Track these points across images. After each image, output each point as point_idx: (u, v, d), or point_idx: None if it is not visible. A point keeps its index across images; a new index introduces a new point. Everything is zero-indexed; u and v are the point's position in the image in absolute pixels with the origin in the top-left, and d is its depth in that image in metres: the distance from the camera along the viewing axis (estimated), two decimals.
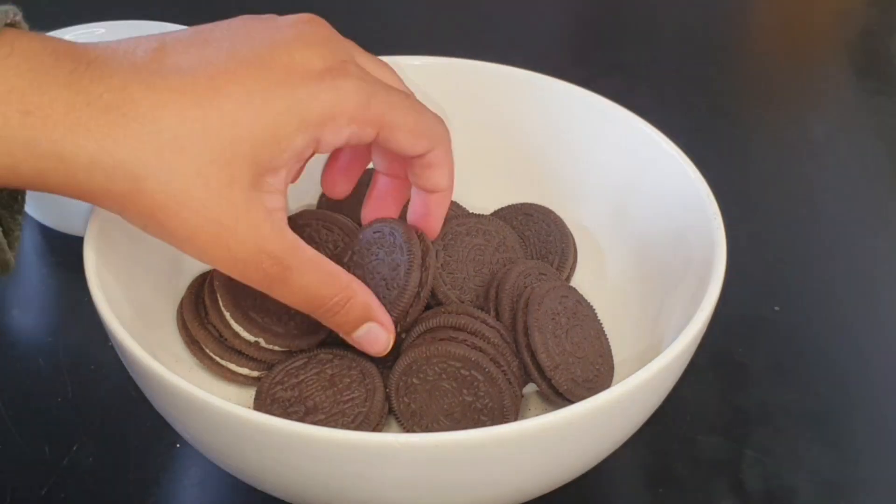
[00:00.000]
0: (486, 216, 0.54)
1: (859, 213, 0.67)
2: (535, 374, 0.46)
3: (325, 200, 0.56)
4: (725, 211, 0.49)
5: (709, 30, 0.86)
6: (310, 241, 0.53)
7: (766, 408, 0.53)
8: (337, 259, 0.48)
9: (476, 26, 0.84)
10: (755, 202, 0.67)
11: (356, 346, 0.45)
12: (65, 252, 0.60)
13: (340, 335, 0.45)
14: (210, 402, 0.38)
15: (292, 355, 0.49)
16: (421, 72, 0.57)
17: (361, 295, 0.43)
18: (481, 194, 0.57)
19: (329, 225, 0.53)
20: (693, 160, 0.51)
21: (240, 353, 0.48)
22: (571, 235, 0.55)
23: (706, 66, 0.81)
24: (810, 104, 0.77)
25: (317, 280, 0.42)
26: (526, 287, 0.48)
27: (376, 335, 0.44)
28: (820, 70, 0.83)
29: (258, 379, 0.49)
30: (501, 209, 0.56)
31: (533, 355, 0.46)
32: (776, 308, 0.59)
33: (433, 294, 0.50)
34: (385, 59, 0.57)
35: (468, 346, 0.46)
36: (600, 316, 0.50)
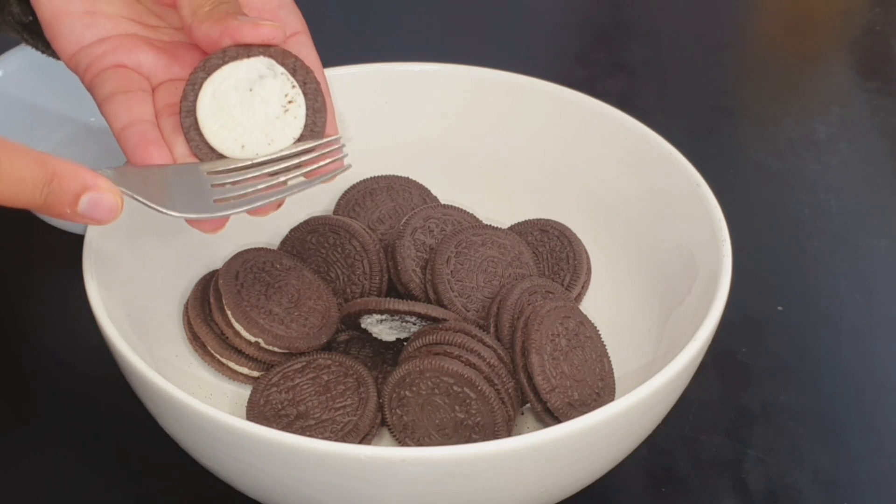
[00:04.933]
0: (503, 230, 0.54)
1: (863, 212, 0.66)
2: (530, 395, 0.46)
3: (341, 205, 0.57)
4: (729, 210, 0.49)
5: (712, 29, 0.86)
6: (318, 246, 0.53)
7: (768, 408, 0.53)
8: None
9: (477, 27, 0.84)
10: (759, 202, 0.67)
11: (89, 222, 0.40)
12: (65, 248, 0.60)
13: (69, 220, 0.40)
14: (180, 400, 0.39)
15: (292, 358, 0.49)
16: (434, 79, 0.58)
17: (66, 167, 0.39)
18: (496, 207, 0.57)
19: (337, 230, 0.53)
20: (696, 160, 0.52)
21: (240, 352, 0.49)
22: (587, 254, 0.54)
23: (709, 66, 0.81)
24: (814, 104, 0.77)
25: (22, 165, 0.37)
26: (528, 305, 0.48)
27: (97, 200, 0.39)
28: (823, 70, 0.83)
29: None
30: (518, 224, 0.56)
31: (529, 377, 0.46)
32: (779, 308, 0.59)
33: (438, 300, 0.50)
34: (395, 65, 0.58)
35: (462, 362, 0.45)
36: (606, 328, 0.50)
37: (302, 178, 0.44)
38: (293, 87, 0.43)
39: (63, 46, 0.45)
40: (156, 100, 0.44)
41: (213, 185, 0.42)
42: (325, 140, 0.44)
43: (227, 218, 0.43)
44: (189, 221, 0.42)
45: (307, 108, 0.44)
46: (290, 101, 0.43)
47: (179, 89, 0.44)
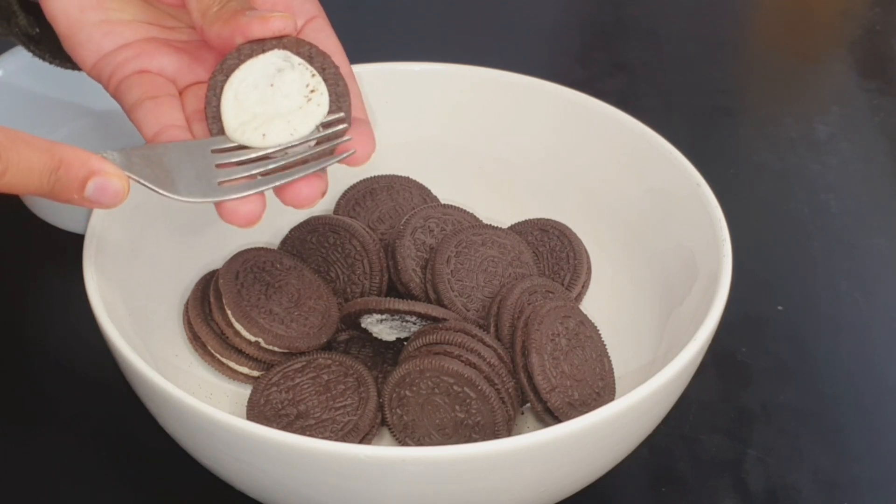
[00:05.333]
0: (503, 229, 0.54)
1: (863, 212, 0.66)
2: (531, 394, 0.46)
3: (341, 205, 0.57)
4: (729, 210, 0.49)
5: (712, 29, 0.86)
6: (318, 245, 0.53)
7: (768, 407, 0.53)
8: None
9: (477, 27, 0.84)
10: (759, 201, 0.67)
11: (96, 206, 0.40)
12: (65, 248, 0.59)
13: (77, 204, 0.40)
14: (180, 399, 0.39)
15: (292, 357, 0.49)
16: (434, 79, 0.57)
17: (72, 154, 0.39)
18: (496, 206, 0.57)
19: (337, 229, 0.53)
20: (696, 160, 0.52)
21: (240, 351, 0.49)
22: (587, 254, 0.55)
23: (709, 66, 0.81)
24: (814, 104, 0.77)
25: (30, 154, 0.38)
26: (528, 305, 0.48)
27: (104, 186, 0.39)
28: (824, 70, 0.83)
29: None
30: (518, 223, 0.56)
31: (530, 377, 0.46)
32: (779, 308, 0.59)
33: (438, 299, 0.50)
34: (395, 65, 0.58)
35: (462, 362, 0.45)
36: (606, 328, 0.50)
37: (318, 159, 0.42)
38: (313, 75, 0.43)
39: (84, 57, 0.45)
40: (184, 105, 0.44)
41: (217, 166, 0.42)
42: (334, 117, 0.43)
43: (261, 208, 0.41)
44: (224, 215, 0.42)
45: (329, 94, 0.43)
46: (311, 91, 0.43)
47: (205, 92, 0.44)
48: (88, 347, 0.52)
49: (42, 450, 0.50)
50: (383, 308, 0.47)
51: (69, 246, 0.57)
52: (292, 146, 0.42)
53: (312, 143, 0.43)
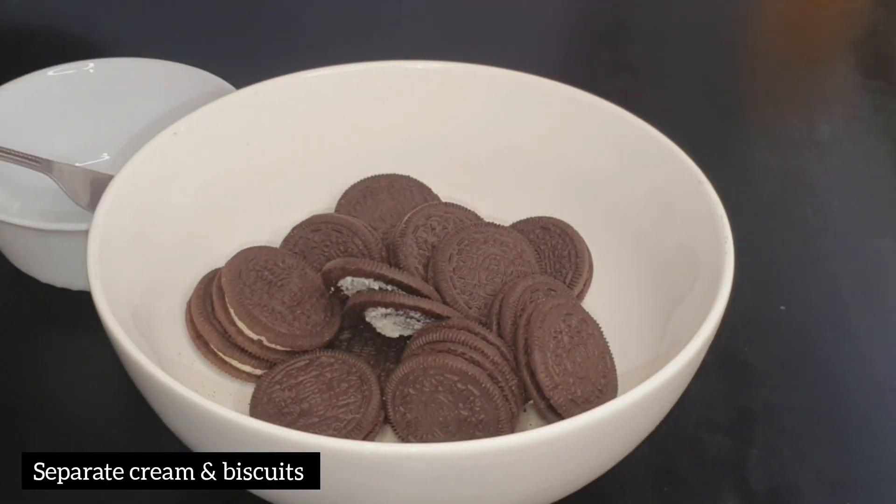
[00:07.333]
0: (505, 227, 0.54)
1: (865, 212, 0.67)
2: (533, 392, 0.46)
3: (342, 205, 0.57)
4: (732, 210, 0.49)
5: (715, 29, 0.86)
6: (321, 244, 0.53)
7: (771, 407, 0.53)
8: None
9: (480, 26, 0.84)
10: (762, 201, 0.67)
11: None
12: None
13: None
14: (185, 396, 0.39)
15: (294, 356, 0.49)
16: (435, 77, 0.58)
17: None
18: (498, 205, 0.57)
19: (339, 228, 0.54)
20: (699, 159, 0.52)
21: (242, 350, 0.49)
22: (588, 252, 0.54)
23: (713, 66, 0.81)
24: (817, 104, 0.77)
25: None
26: (530, 302, 0.48)
27: None
28: (826, 70, 0.83)
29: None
30: (519, 222, 0.56)
31: (532, 374, 0.46)
32: (782, 308, 0.59)
33: (440, 295, 0.50)
34: (397, 63, 0.58)
35: (466, 359, 0.45)
36: (608, 325, 0.50)
37: None
38: None
39: None
40: None
41: None
42: None
43: None
44: None
45: None
46: None
47: None
48: (91, 346, 0.52)
49: (42, 449, 0.50)
50: (388, 302, 0.47)
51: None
52: None
53: None
